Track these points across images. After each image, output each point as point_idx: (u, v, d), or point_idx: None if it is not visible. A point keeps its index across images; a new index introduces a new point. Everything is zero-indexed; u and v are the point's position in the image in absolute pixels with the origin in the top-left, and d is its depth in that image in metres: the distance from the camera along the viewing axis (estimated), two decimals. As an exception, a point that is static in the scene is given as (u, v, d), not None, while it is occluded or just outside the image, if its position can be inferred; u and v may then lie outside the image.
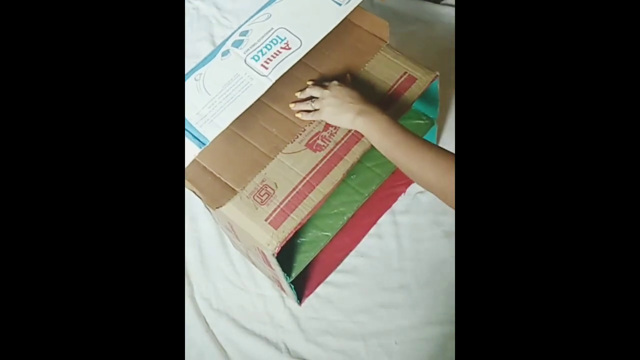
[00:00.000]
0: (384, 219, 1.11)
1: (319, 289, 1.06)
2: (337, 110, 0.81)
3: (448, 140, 1.17)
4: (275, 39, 0.84)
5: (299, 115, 0.86)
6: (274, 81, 0.81)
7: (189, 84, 0.83)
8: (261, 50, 0.84)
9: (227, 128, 0.79)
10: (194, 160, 0.83)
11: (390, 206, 1.12)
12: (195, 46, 1.36)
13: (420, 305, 1.03)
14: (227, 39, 0.87)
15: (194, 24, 1.40)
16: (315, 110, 0.84)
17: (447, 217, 1.09)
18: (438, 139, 1.16)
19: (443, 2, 1.35)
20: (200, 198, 0.82)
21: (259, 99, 0.82)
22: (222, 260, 1.11)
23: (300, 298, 1.04)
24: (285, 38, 0.84)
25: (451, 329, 1.00)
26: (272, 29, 0.86)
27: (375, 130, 0.78)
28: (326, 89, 0.83)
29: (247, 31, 0.87)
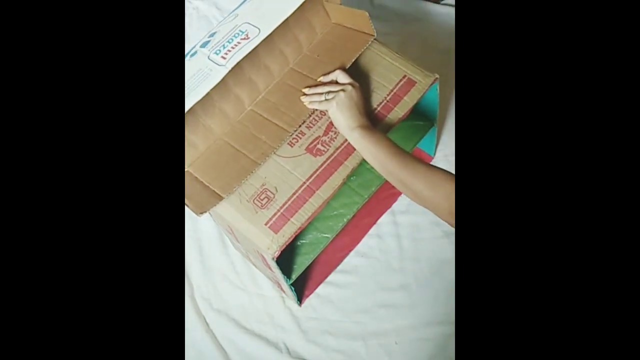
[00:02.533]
0: (384, 219, 1.11)
1: (319, 289, 1.06)
2: (343, 113, 0.80)
3: (448, 141, 1.17)
4: (237, 33, 0.87)
5: (305, 100, 0.85)
6: (229, 69, 0.82)
7: None
8: (223, 45, 0.86)
9: (220, 139, 0.83)
10: (188, 171, 0.84)
11: (390, 206, 1.12)
12: (195, 46, 1.36)
13: (420, 306, 1.03)
14: (197, 43, 0.90)
15: (194, 24, 1.40)
16: (327, 100, 0.82)
17: (447, 217, 1.09)
18: (438, 140, 1.16)
19: (443, 2, 1.35)
20: (186, 205, 0.82)
21: (252, 110, 0.85)
22: (222, 260, 1.11)
23: (300, 299, 1.04)
24: (245, 30, 0.86)
25: (451, 329, 1.00)
26: (236, 25, 0.88)
27: (370, 144, 0.77)
28: (346, 87, 0.82)
29: (215, 32, 0.90)
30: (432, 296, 1.03)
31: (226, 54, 0.84)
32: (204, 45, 0.88)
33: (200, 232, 1.14)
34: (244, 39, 0.85)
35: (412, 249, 1.08)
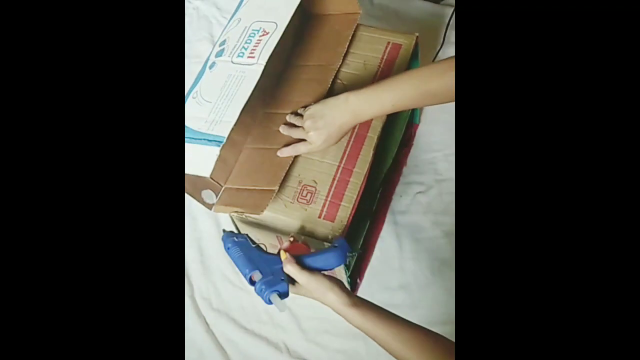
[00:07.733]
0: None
1: (319, 289, 1.06)
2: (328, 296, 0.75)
3: (448, 141, 1.17)
4: (252, 33, 0.86)
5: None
6: (264, 64, 0.81)
7: (190, 104, 0.83)
8: (243, 47, 0.85)
9: (246, 146, 0.82)
10: (226, 188, 0.83)
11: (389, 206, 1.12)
12: (195, 46, 1.36)
13: (421, 306, 1.03)
14: (209, 55, 0.89)
15: (194, 24, 1.40)
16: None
17: (447, 217, 1.09)
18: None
19: (443, 2, 1.35)
20: (241, 212, 0.81)
21: (265, 112, 0.86)
22: (222, 260, 1.11)
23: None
24: (260, 28, 0.86)
25: (451, 329, 0.99)
26: (246, 27, 0.88)
27: (342, 307, 0.74)
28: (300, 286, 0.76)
29: (224, 40, 0.89)
30: (432, 296, 1.03)
31: (252, 52, 0.83)
32: (219, 54, 0.87)
33: (200, 232, 1.14)
34: (263, 35, 0.84)
35: (412, 249, 1.08)
